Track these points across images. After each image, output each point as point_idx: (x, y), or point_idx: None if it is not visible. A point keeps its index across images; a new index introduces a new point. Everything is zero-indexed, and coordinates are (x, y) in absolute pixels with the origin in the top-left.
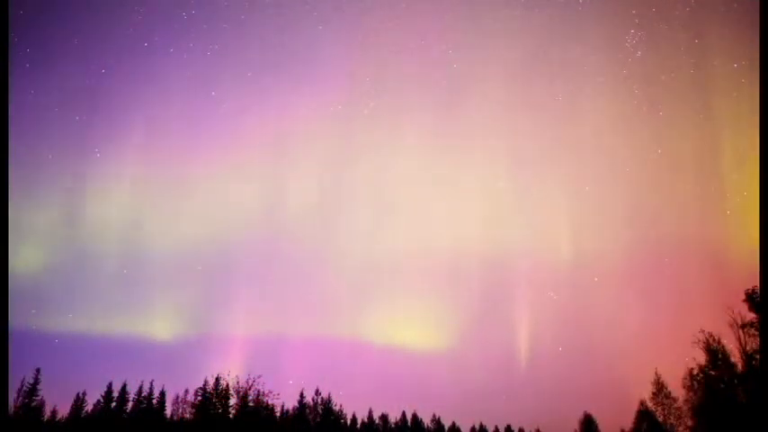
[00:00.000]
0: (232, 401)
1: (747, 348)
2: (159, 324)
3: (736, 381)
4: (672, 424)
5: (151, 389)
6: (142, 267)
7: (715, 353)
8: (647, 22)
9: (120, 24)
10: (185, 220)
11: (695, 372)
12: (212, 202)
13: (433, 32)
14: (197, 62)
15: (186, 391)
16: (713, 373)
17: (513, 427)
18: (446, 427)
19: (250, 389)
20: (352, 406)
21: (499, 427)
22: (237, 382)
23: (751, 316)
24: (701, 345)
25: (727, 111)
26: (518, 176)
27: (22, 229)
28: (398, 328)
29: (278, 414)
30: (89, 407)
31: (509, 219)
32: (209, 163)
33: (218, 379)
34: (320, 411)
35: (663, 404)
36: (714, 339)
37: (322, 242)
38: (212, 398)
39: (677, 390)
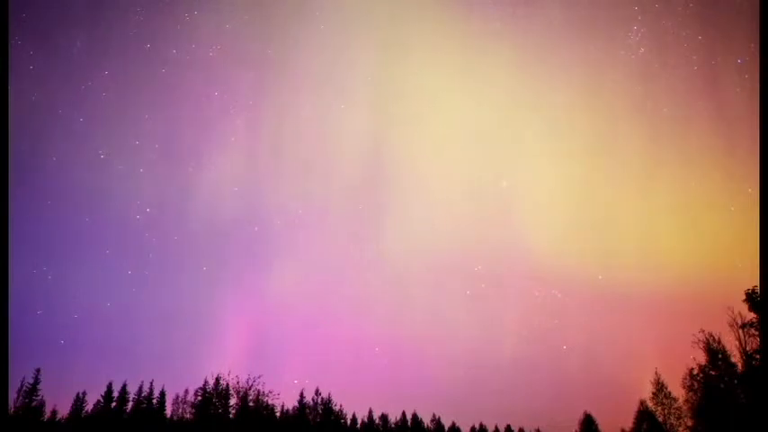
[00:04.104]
0: (232, 401)
1: (747, 348)
2: (162, 323)
3: (736, 381)
4: (672, 424)
5: (151, 389)
6: (146, 268)
7: (715, 353)
8: (650, 18)
9: (123, 26)
10: (190, 220)
11: (695, 372)
12: (214, 203)
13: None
14: (199, 63)
15: (186, 391)
16: (713, 373)
17: (513, 427)
18: (446, 427)
19: (250, 389)
20: (352, 406)
21: (499, 427)
22: (237, 382)
23: (751, 316)
24: (701, 345)
25: (730, 107)
26: (521, 175)
27: (24, 230)
28: (397, 327)
29: (278, 414)
30: (89, 407)
31: (512, 217)
32: (210, 163)
33: (218, 379)
34: (320, 411)
35: (663, 404)
36: (714, 339)
37: (328, 243)
38: (212, 398)
39: (677, 390)
